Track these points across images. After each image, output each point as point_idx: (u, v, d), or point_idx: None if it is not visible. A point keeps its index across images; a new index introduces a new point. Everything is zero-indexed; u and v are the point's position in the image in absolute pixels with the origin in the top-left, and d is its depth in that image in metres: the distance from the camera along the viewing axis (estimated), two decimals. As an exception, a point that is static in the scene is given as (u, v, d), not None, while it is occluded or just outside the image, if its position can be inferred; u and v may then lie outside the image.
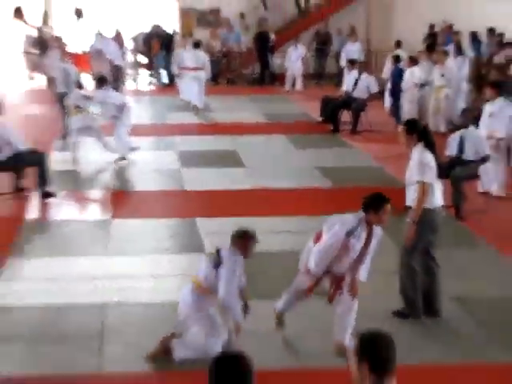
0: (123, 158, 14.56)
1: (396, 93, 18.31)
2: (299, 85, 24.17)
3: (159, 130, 17.99)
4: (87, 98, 14.58)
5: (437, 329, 7.70)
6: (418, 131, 7.87)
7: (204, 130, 17.82)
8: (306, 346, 7.32)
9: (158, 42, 25.28)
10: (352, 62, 18.88)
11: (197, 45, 20.57)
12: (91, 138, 14.68)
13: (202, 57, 20.39)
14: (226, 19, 26.80)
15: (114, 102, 14.50)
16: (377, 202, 6.98)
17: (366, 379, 3.77)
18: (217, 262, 6.77)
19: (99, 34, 23.79)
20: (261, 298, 7.93)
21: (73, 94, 14.81)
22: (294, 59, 24.03)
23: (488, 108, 12.58)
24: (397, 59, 19.09)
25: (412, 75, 17.85)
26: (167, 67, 24.96)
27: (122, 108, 14.55)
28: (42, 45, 25.45)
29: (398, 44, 21.93)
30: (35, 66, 26.18)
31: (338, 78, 22.94)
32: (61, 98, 15.94)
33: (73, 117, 14.46)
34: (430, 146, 7.82)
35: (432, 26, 23.79)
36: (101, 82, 14.82)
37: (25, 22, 26.39)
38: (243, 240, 6.84)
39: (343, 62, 21.75)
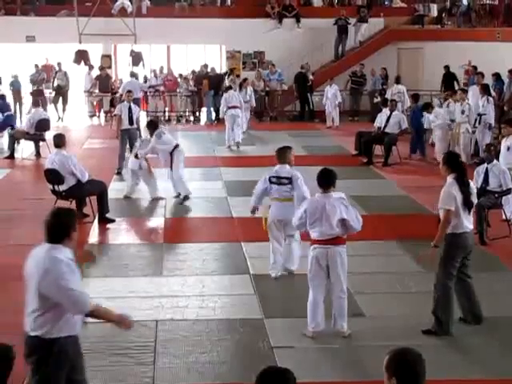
0: (186, 197, 14.08)
1: (418, 129, 18.39)
2: (336, 121, 24.11)
3: (208, 161, 18.08)
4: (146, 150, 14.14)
5: (465, 346, 7.62)
6: (451, 164, 7.86)
7: (248, 162, 17.86)
8: (341, 361, 7.29)
9: (208, 82, 25.40)
10: (385, 101, 18.92)
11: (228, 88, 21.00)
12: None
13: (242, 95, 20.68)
14: (269, 61, 26.97)
15: (167, 148, 14.02)
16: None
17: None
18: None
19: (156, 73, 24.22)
20: (300, 316, 7.91)
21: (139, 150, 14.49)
22: (329, 96, 24.00)
23: (505, 143, 12.61)
24: (416, 98, 19.01)
25: (438, 114, 17.84)
26: (216, 105, 25.15)
27: (174, 150, 14.08)
28: (102, 85, 25.87)
29: (397, 80, 22.64)
30: (96, 105, 26.64)
31: (371, 114, 22.91)
32: (124, 134, 16.15)
33: (131, 158, 14.37)
34: (462, 178, 7.80)
35: (447, 67, 23.88)
36: (153, 126, 14.33)
37: (87, 64, 26.81)
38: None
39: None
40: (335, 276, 7.65)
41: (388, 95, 21.92)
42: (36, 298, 5.10)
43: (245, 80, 23.76)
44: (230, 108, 20.10)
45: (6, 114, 19.78)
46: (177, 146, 14.23)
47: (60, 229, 5.33)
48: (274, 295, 8.92)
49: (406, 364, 3.75)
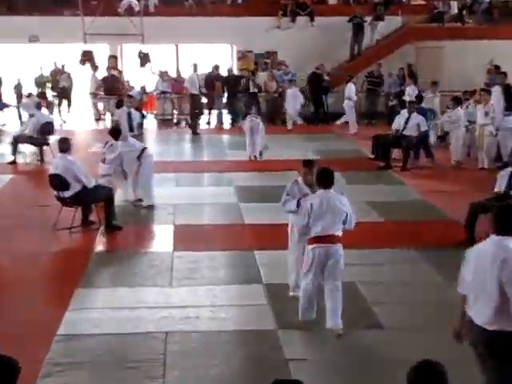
0: (140, 200, 14.06)
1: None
2: (351, 127, 23.61)
3: (218, 166, 18.11)
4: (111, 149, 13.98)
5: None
6: None
7: (260, 167, 17.91)
8: (358, 375, 7.31)
9: (220, 83, 25.37)
10: (404, 103, 18.98)
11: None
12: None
13: None
14: (282, 61, 27.02)
15: (134, 152, 13.86)
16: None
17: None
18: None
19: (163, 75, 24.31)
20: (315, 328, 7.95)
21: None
22: (346, 95, 23.95)
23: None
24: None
25: (455, 117, 17.87)
26: (231, 108, 25.20)
27: (141, 155, 13.94)
28: (109, 87, 25.99)
29: (414, 79, 23.09)
30: (102, 107, 26.76)
31: (389, 117, 22.90)
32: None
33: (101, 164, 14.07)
34: None
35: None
36: (116, 133, 14.18)
37: (93, 65, 26.95)
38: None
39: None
40: (332, 273, 7.98)
41: (406, 96, 21.93)
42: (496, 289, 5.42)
43: None
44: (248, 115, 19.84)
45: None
46: (144, 149, 14.15)
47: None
48: (288, 306, 8.94)
49: (429, 378, 3.72)
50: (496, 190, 11.60)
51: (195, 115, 23.81)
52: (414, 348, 7.65)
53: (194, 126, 23.54)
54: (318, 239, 7.92)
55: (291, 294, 9.06)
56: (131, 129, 16.38)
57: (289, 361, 7.48)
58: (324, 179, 8.14)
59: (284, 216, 9.46)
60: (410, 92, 22.38)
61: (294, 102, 24.19)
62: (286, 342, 7.96)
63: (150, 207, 13.90)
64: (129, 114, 16.50)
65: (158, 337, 8.12)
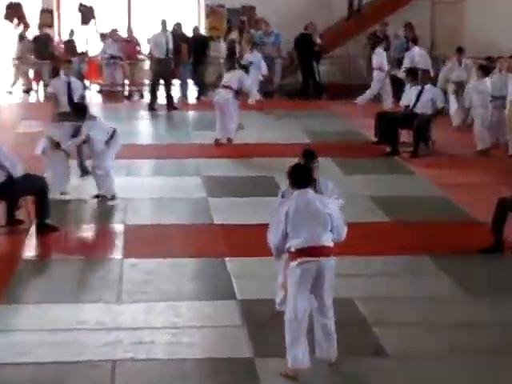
0: (113, 197, 14.19)
1: None
2: (387, 103, 23.22)
3: (181, 151, 18.07)
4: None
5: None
6: None
7: (235, 152, 17.92)
8: None
9: (186, 47, 25.32)
10: (414, 72, 18.96)
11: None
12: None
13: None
14: (261, 18, 26.97)
15: (103, 135, 14.00)
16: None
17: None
18: None
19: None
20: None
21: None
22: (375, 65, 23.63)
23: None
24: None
25: (483, 87, 17.91)
26: (197, 78, 25.17)
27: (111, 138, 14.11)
28: (41, 50, 25.84)
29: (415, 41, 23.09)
30: (33, 75, 26.61)
31: (397, 90, 22.91)
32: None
33: None
34: None
35: None
36: (82, 110, 14.38)
37: (21, 21, 26.76)
38: None
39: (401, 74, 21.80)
40: (324, 293, 7.81)
41: (406, 63, 22.00)
42: None
43: None
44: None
45: None
46: (115, 131, 14.18)
47: None
48: (267, 328, 8.93)
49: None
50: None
51: (155, 86, 23.79)
52: (426, 381, 7.66)
53: (153, 101, 23.51)
54: (303, 252, 7.74)
55: (277, 308, 9.02)
56: (72, 103, 16.27)
57: (269, 397, 7.48)
58: (298, 177, 7.98)
59: (263, 215, 9.48)
60: (417, 58, 22.40)
61: (254, 71, 23.84)
62: (265, 373, 7.93)
63: (110, 200, 13.99)
64: (68, 85, 16.40)
65: (104, 366, 8.06)
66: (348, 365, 8.01)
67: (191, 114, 23.19)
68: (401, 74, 22.21)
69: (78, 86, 16.93)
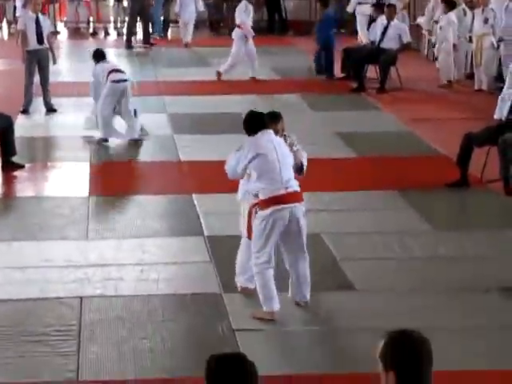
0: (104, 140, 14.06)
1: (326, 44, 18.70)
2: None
3: (147, 88, 17.92)
4: None
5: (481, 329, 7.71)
6: None
7: (202, 89, 17.81)
8: (322, 347, 7.36)
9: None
10: (379, 6, 18.87)
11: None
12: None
13: None
14: None
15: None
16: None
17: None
18: None
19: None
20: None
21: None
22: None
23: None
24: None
25: (449, 22, 17.84)
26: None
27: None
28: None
29: None
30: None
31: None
32: (31, 57, 15.71)
33: None
34: None
35: None
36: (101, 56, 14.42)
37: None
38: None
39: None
40: (298, 238, 7.74)
41: None
42: None
43: None
44: None
45: None
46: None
47: None
48: (235, 264, 8.92)
49: (406, 351, 3.71)
50: (496, 116, 11.67)
51: (132, 22, 23.66)
52: (391, 313, 7.68)
53: (128, 38, 23.43)
54: (276, 199, 7.60)
55: (238, 285, 8.48)
56: (40, 40, 15.93)
57: (236, 331, 7.49)
58: (257, 123, 7.81)
59: (230, 151, 9.38)
60: None
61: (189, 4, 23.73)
62: (234, 308, 7.96)
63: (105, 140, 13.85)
64: (36, 21, 16.07)
65: (71, 303, 8.05)
66: (316, 299, 8.01)
67: (164, 50, 23.08)
68: (368, 9, 22.07)
69: (47, 23, 16.59)
